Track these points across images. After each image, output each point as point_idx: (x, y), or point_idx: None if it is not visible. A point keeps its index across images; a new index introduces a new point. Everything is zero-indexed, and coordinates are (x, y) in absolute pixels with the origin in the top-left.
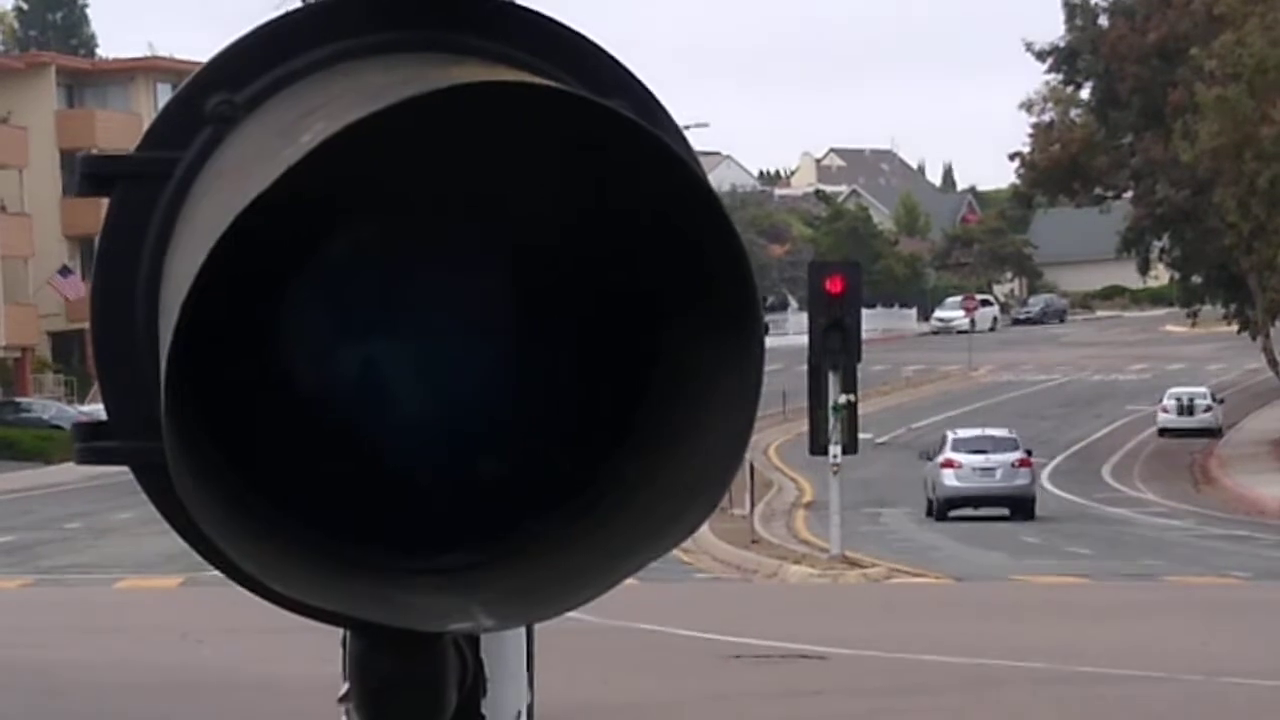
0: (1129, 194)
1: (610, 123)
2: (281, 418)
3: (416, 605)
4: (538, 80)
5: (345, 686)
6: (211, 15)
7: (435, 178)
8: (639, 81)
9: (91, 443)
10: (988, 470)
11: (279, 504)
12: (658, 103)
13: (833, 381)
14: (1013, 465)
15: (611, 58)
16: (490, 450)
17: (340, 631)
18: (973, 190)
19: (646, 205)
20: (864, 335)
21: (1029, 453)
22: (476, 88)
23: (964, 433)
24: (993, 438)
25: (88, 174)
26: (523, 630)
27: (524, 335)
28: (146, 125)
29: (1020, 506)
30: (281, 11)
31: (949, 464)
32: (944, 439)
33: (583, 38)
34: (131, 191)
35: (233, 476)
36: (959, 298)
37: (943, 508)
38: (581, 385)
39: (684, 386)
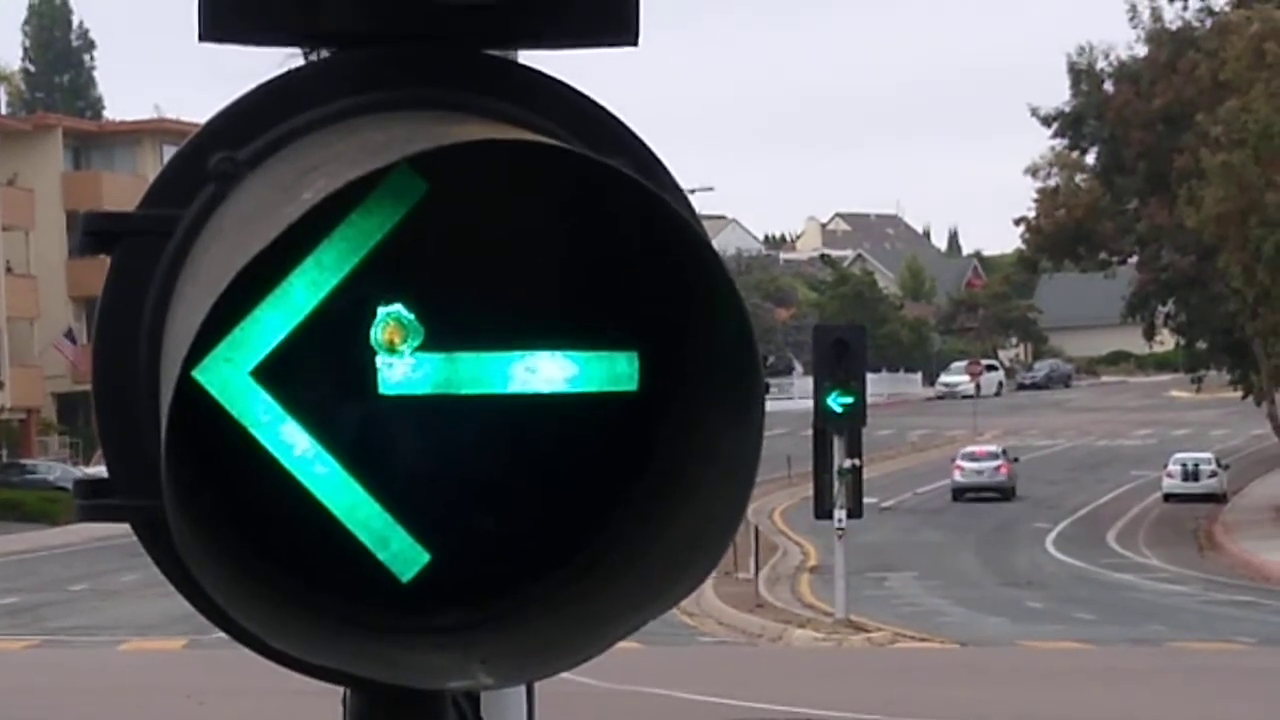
0: (1134, 259)
1: (611, 180)
2: (281, 477)
3: (416, 663)
4: (538, 138)
5: None
6: (215, 73)
7: (436, 235)
8: (640, 140)
9: (93, 499)
10: (979, 471)
11: (279, 562)
12: (658, 161)
13: (838, 446)
14: (995, 469)
15: (613, 116)
16: (491, 510)
17: (340, 690)
18: (978, 255)
19: (647, 263)
20: (869, 400)
21: (1015, 459)
22: (477, 146)
23: (967, 448)
24: (986, 451)
25: (90, 232)
26: (523, 689)
27: (525, 395)
28: None
29: (1002, 493)
30: (283, 70)
31: (957, 467)
32: (958, 451)
33: (584, 96)
34: (133, 249)
35: (233, 534)
36: (964, 362)
37: (955, 494)
38: (583, 445)
39: (685, 447)
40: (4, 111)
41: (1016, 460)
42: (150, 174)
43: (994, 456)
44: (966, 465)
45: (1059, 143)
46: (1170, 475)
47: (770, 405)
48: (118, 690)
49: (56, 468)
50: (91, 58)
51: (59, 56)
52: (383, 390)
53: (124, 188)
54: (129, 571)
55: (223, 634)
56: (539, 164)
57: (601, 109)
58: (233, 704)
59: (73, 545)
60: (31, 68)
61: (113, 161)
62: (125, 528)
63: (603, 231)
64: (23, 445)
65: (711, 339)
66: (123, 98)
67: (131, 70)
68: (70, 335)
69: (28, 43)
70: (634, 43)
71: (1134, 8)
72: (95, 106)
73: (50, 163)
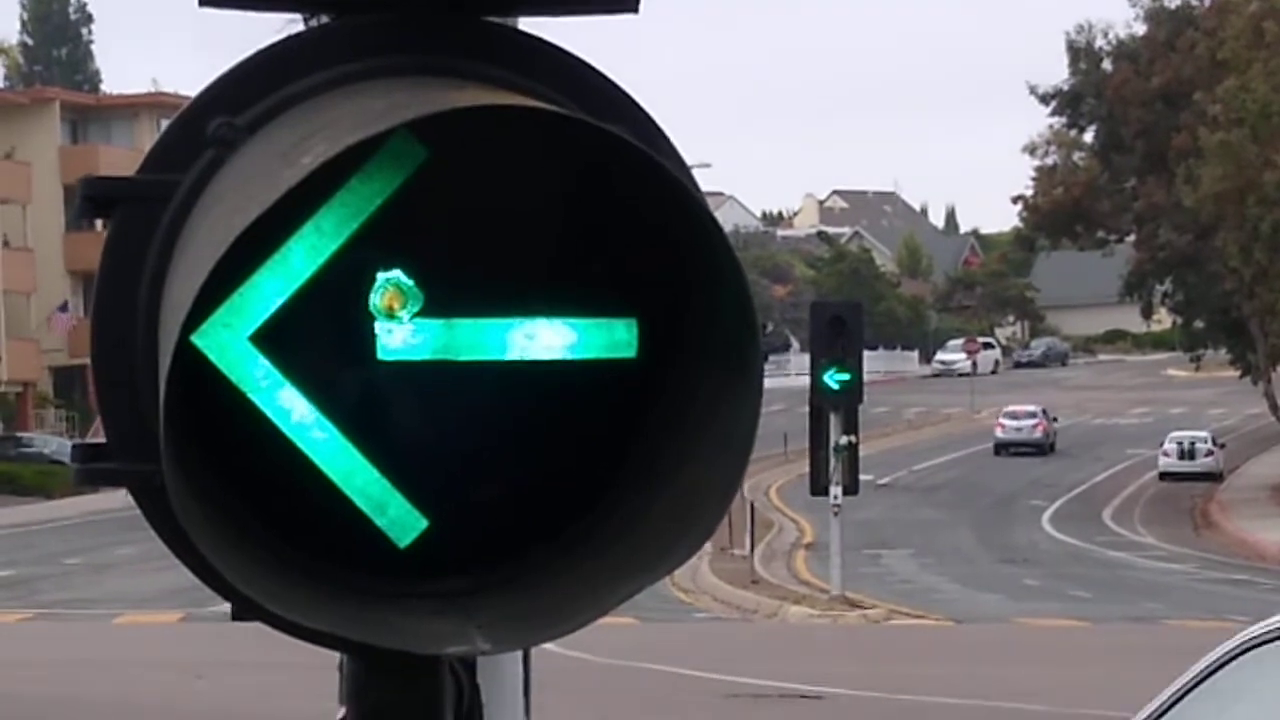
0: (1131, 238)
1: (611, 147)
2: (279, 442)
3: (413, 628)
4: (539, 104)
5: (341, 711)
6: (212, 40)
7: (436, 201)
8: (640, 108)
9: (90, 464)
10: (1019, 429)
11: (277, 527)
12: (658, 128)
13: (834, 422)
14: (1033, 426)
15: (613, 84)
16: (489, 477)
17: (337, 656)
18: (975, 233)
19: (647, 230)
20: (866, 377)
21: (1055, 419)
22: (477, 111)
23: (1009, 407)
24: (1025, 410)
25: (88, 196)
26: (520, 655)
27: (524, 363)
28: None
29: (1039, 448)
30: (283, 35)
31: (999, 425)
32: (1000, 410)
33: (584, 63)
34: (132, 214)
35: (231, 500)
36: (961, 340)
37: (997, 449)
38: (580, 414)
39: (682, 415)
40: (1, 85)
41: (1056, 419)
42: (147, 148)
43: (1032, 415)
44: (1008, 423)
45: (1057, 121)
46: (1166, 454)
47: (767, 382)
48: (113, 663)
49: (53, 441)
50: (89, 31)
51: (57, 30)
52: (381, 356)
53: (121, 161)
54: (125, 545)
55: (219, 607)
56: (539, 130)
57: (602, 76)
58: (227, 676)
59: (68, 519)
60: (29, 41)
61: (110, 135)
62: (121, 501)
63: (603, 198)
64: (19, 419)
65: (710, 307)
66: (120, 71)
67: (129, 44)
68: (64, 307)
69: (25, 16)
70: (634, 9)
71: None
72: (93, 80)
73: (48, 136)
